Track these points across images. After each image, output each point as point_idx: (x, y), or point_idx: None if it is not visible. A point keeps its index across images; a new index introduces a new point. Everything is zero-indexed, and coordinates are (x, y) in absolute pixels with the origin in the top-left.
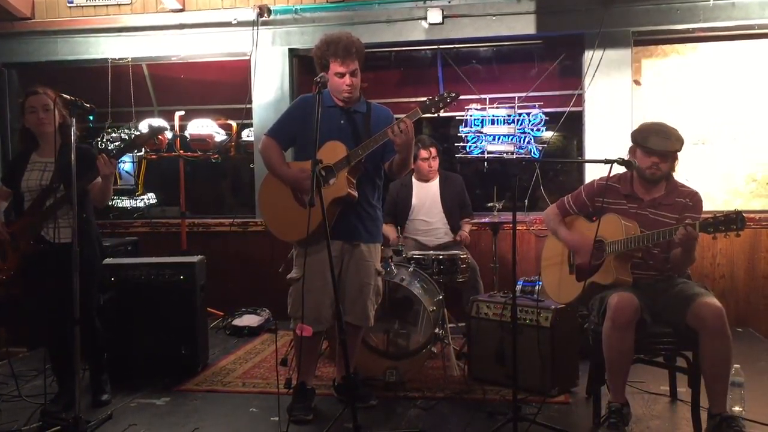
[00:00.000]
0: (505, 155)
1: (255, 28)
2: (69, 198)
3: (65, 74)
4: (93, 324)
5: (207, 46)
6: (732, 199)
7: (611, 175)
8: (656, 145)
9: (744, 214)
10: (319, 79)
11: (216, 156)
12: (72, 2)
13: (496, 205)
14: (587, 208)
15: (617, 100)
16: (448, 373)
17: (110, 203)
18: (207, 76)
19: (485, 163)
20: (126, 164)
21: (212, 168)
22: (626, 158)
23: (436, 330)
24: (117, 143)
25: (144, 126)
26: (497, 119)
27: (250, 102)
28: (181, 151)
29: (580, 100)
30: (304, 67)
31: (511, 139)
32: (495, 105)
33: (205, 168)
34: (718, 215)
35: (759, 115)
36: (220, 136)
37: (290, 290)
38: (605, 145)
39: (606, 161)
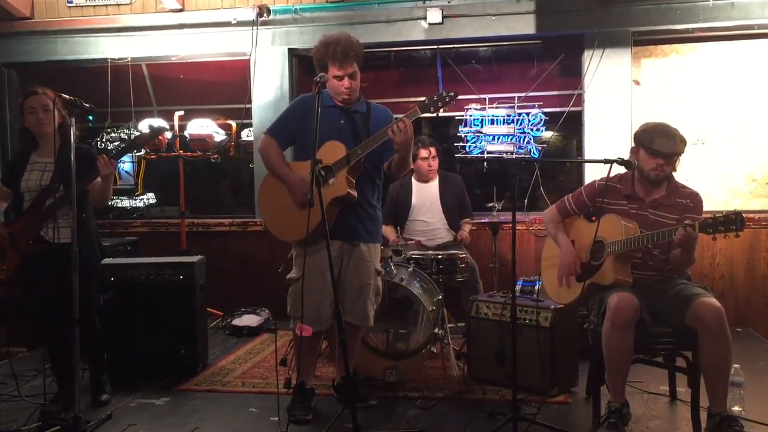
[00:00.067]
0: (504, 155)
1: (254, 28)
2: (69, 198)
3: (65, 74)
4: (93, 324)
5: (206, 46)
6: (731, 199)
7: (612, 175)
8: (663, 147)
9: (743, 215)
10: (318, 79)
11: (215, 156)
12: (71, 2)
13: (496, 205)
14: (588, 208)
15: (617, 100)
16: (447, 373)
17: (110, 203)
18: (206, 76)
19: (485, 163)
20: (125, 164)
21: (212, 168)
22: (626, 158)
23: (436, 330)
24: (116, 143)
25: (144, 126)
26: (497, 119)
27: (250, 102)
28: (181, 151)
29: (579, 100)
30: (304, 67)
31: (511, 139)
32: (494, 105)
33: (204, 168)
34: (717, 216)
35: (758, 115)
36: (219, 136)
37: (290, 290)
38: (605, 145)
39: (606, 161)
